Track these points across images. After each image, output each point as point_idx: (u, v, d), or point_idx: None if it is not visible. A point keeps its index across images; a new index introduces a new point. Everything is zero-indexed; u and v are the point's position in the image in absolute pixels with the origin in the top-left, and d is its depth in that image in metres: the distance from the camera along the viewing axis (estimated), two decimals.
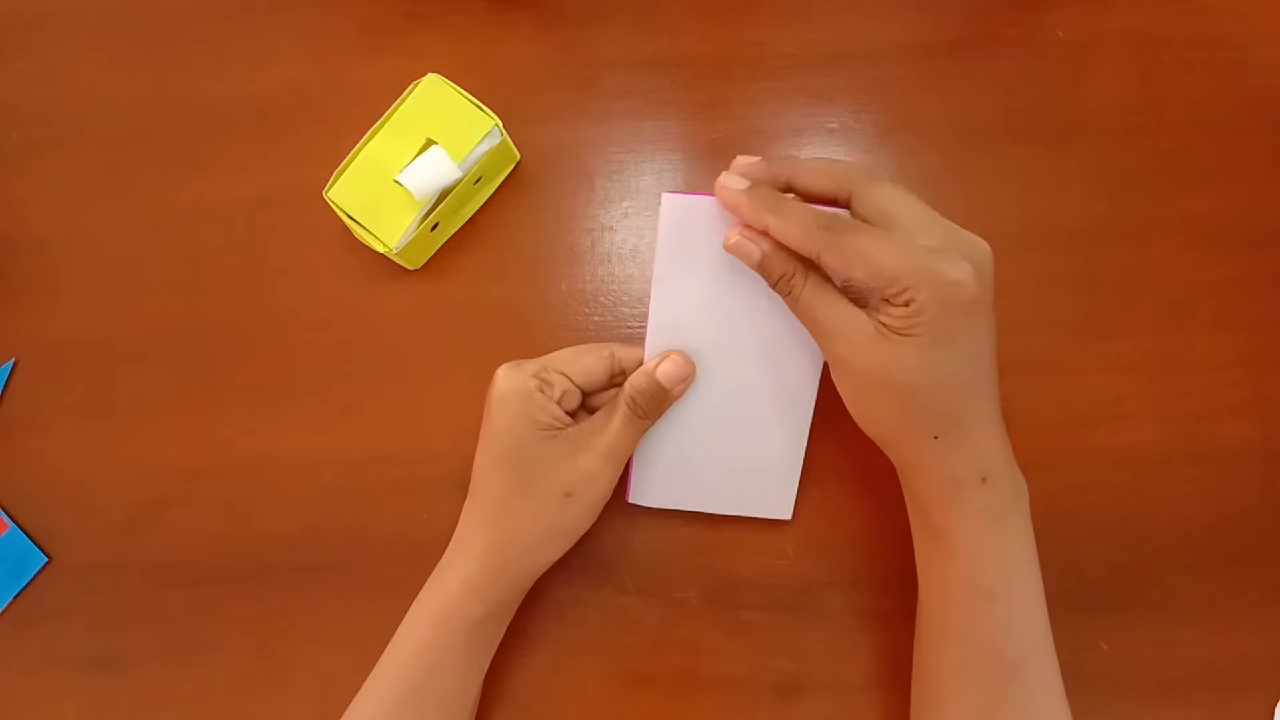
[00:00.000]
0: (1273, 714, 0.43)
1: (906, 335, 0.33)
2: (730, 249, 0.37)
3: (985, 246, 0.35)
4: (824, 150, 0.50)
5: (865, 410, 0.37)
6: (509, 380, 0.39)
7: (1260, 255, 0.47)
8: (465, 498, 0.41)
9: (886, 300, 0.34)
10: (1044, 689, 0.37)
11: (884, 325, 0.34)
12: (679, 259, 0.39)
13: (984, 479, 0.35)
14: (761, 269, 0.36)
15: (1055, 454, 0.46)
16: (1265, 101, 0.49)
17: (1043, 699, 0.37)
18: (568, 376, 0.40)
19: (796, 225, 0.34)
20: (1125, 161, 0.49)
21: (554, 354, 0.41)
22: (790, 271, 0.36)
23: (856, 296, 0.36)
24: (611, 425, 0.40)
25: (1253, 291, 0.47)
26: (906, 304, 0.33)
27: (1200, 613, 0.44)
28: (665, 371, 0.40)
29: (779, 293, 0.37)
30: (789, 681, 0.44)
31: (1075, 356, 0.47)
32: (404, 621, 0.41)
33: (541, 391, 0.39)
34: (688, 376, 0.41)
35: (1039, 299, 0.47)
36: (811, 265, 0.36)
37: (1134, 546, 0.45)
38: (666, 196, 0.38)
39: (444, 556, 0.41)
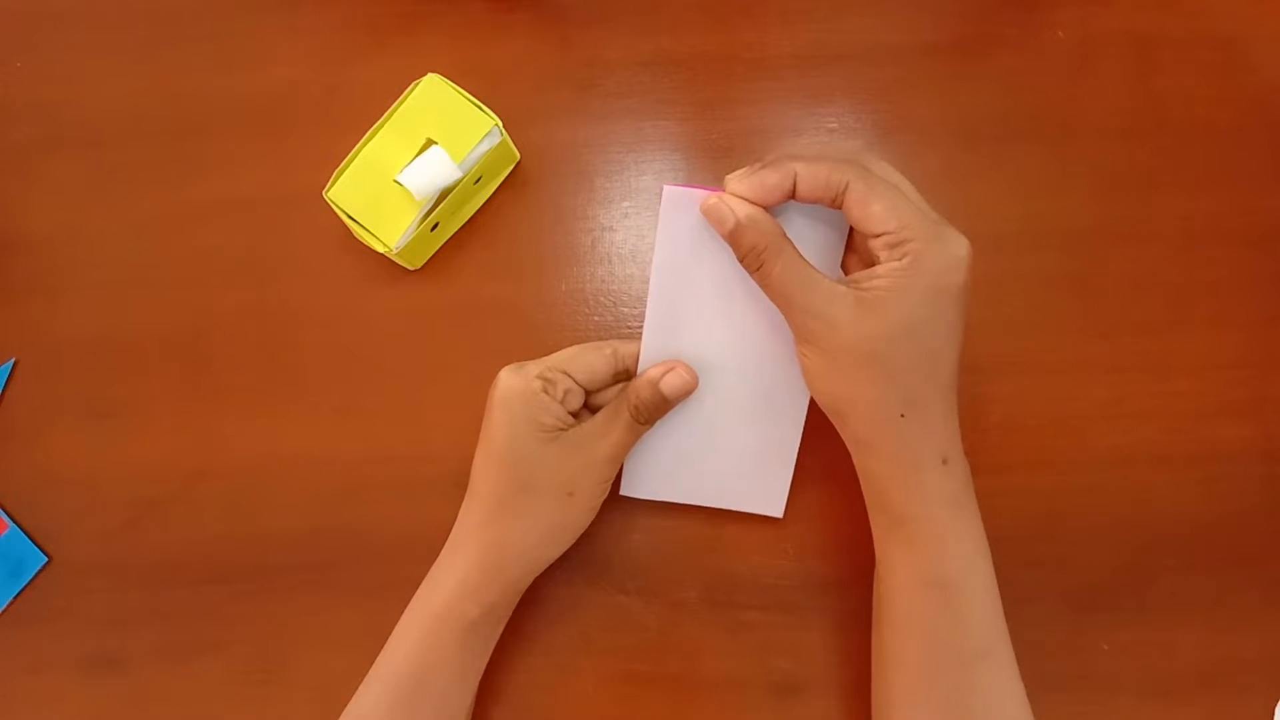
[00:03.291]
0: (1273, 714, 0.43)
1: (889, 304, 0.33)
2: (706, 211, 0.36)
3: (967, 242, 0.35)
4: None
5: (833, 387, 0.36)
6: (511, 382, 0.39)
7: (1260, 255, 0.47)
8: (464, 498, 0.41)
9: (889, 247, 0.34)
10: (1004, 677, 0.37)
11: (867, 294, 0.34)
12: (678, 252, 0.39)
13: (944, 460, 0.36)
14: (733, 238, 0.36)
15: (1055, 454, 0.46)
16: (1265, 101, 0.49)
17: (1004, 686, 0.37)
18: (570, 376, 0.41)
19: (824, 162, 0.34)
20: (1125, 161, 0.49)
21: (556, 354, 0.41)
22: (762, 245, 0.35)
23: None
24: (614, 432, 0.40)
25: (1252, 291, 0.47)
26: (902, 257, 0.33)
27: (1200, 613, 0.44)
28: (669, 384, 0.40)
29: (748, 268, 0.36)
30: (789, 681, 0.44)
31: (1075, 356, 0.46)
32: (399, 622, 0.41)
33: (546, 392, 0.39)
34: (691, 389, 0.41)
35: (1039, 299, 0.47)
36: (786, 242, 0.36)
37: (1134, 546, 0.45)
38: (667, 188, 0.38)
39: (439, 557, 0.41)
